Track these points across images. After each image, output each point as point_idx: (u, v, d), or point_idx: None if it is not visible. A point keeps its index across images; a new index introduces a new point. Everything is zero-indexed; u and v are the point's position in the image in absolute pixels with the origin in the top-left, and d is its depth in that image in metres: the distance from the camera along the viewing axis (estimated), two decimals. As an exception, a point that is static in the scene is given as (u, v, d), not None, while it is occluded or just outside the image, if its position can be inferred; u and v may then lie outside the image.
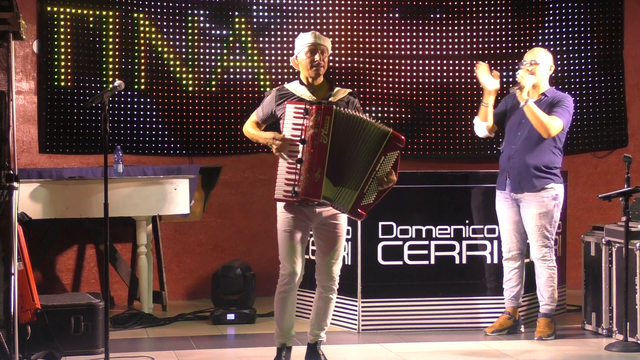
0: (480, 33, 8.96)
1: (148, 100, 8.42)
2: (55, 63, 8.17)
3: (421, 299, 6.91)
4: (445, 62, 8.96)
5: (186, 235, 8.58)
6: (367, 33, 8.84)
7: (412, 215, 6.93)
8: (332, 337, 6.41)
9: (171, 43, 8.48)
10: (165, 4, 8.46)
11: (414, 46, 8.92)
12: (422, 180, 7.04)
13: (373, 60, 8.87)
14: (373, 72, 8.87)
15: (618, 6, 9.01)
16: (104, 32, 8.30)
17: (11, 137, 5.14)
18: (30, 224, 5.90)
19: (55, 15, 8.15)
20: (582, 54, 8.99)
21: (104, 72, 8.28)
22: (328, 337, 5.83)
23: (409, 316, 6.88)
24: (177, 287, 8.49)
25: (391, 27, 8.89)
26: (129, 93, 8.35)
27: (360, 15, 8.84)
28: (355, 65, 8.83)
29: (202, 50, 8.55)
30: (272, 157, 5.53)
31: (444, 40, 8.94)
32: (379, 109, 8.83)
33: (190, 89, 8.53)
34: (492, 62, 8.88)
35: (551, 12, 9.00)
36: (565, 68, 8.99)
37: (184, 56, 8.52)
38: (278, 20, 8.66)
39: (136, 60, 8.39)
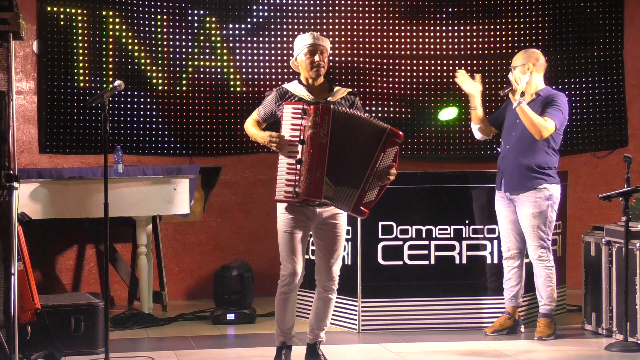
0: (480, 33, 8.96)
1: (148, 100, 8.42)
2: (55, 63, 8.17)
3: (421, 299, 6.91)
4: (445, 62, 8.96)
5: (186, 235, 8.58)
6: (367, 33, 8.84)
7: (412, 215, 6.93)
8: (332, 337, 6.41)
9: (170, 43, 8.48)
10: (166, 3, 8.46)
11: (414, 46, 8.92)
12: (422, 180, 7.04)
13: (373, 60, 8.87)
14: (373, 72, 8.87)
15: (618, 6, 9.01)
16: (104, 32, 8.30)
17: (11, 137, 5.14)
18: (30, 224, 5.90)
19: (55, 15, 8.15)
20: (582, 54, 8.99)
21: (104, 72, 8.28)
22: (328, 337, 5.83)
23: (409, 316, 6.88)
24: (177, 287, 8.49)
25: (391, 27, 8.89)
26: (129, 93, 8.35)
27: (360, 15, 8.84)
28: (355, 65, 8.83)
29: (202, 50, 8.55)
30: (272, 157, 5.53)
31: (444, 40, 8.94)
32: (379, 108, 8.83)
33: (191, 89, 8.53)
34: (492, 62, 8.89)
35: (551, 12, 9.00)
36: (566, 68, 8.99)
37: (183, 55, 8.52)
38: (278, 20, 8.67)
39: (136, 60, 8.38)
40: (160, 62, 8.46)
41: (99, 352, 5.94)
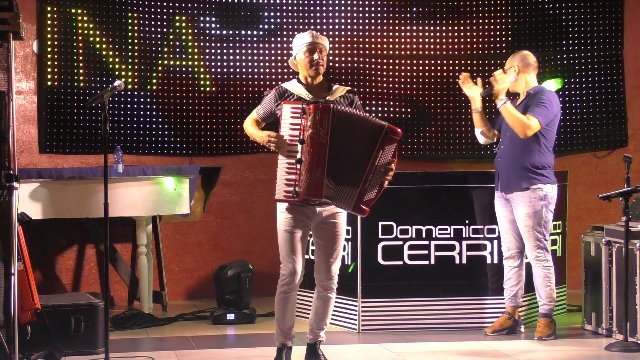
0: (480, 33, 8.96)
1: (148, 100, 8.42)
2: (55, 63, 8.17)
3: (421, 299, 6.91)
4: (445, 62, 8.96)
5: (186, 235, 8.58)
6: (367, 33, 8.85)
7: (412, 215, 6.93)
8: (332, 337, 6.41)
9: (171, 43, 8.48)
10: (166, 3, 8.46)
11: (414, 46, 8.92)
12: (422, 180, 7.04)
13: (373, 60, 8.87)
14: (373, 71, 8.87)
15: (618, 6, 9.02)
16: (104, 32, 8.30)
17: (11, 137, 5.14)
18: (30, 224, 5.90)
19: (55, 15, 8.15)
20: (582, 54, 8.99)
21: (104, 72, 8.28)
22: (328, 337, 5.83)
23: (409, 316, 6.88)
24: (177, 287, 8.49)
25: (391, 27, 8.89)
26: (129, 93, 8.35)
27: (360, 15, 8.84)
28: (355, 65, 8.83)
29: (202, 50, 8.55)
30: (272, 157, 5.53)
31: (444, 40, 8.94)
32: (379, 108, 8.83)
33: (191, 89, 8.53)
34: (492, 62, 8.88)
35: (551, 12, 9.00)
36: (565, 68, 8.99)
37: (183, 55, 8.52)
38: (278, 20, 8.67)
39: (136, 60, 8.38)
40: (160, 62, 8.45)
41: (99, 352, 5.94)
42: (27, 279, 5.46)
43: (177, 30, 8.50)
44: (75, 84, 8.22)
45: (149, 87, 8.42)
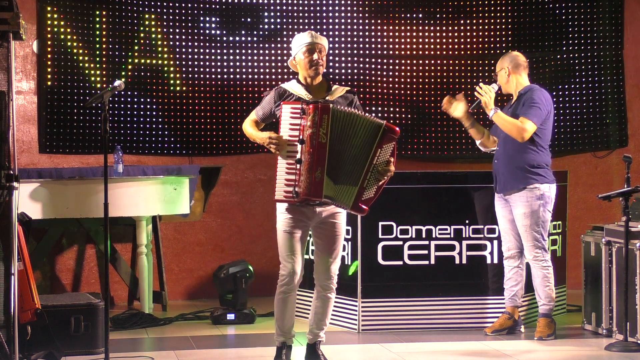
0: (480, 33, 8.96)
1: (148, 100, 8.42)
2: (55, 63, 8.17)
3: (421, 299, 6.91)
4: (445, 62, 8.96)
5: (186, 235, 8.58)
6: (367, 33, 8.85)
7: (412, 215, 6.93)
8: (332, 337, 6.41)
9: (171, 43, 8.48)
10: (166, 3, 8.46)
11: (414, 46, 8.92)
12: (422, 180, 7.04)
13: (373, 60, 8.87)
14: (373, 72, 8.87)
15: (618, 6, 9.02)
16: (104, 32, 8.30)
17: (11, 137, 5.14)
18: (30, 224, 5.90)
19: (55, 15, 8.15)
20: (582, 54, 8.99)
21: (104, 72, 8.28)
22: (328, 337, 5.83)
23: (409, 316, 6.88)
24: (177, 287, 8.49)
25: (391, 27, 8.89)
26: (129, 93, 8.35)
27: (360, 15, 8.84)
28: (356, 65, 8.83)
29: (201, 51, 8.55)
30: (272, 157, 5.53)
31: (444, 40, 8.94)
32: (379, 108, 8.83)
33: (191, 89, 8.53)
34: (492, 62, 8.86)
35: (551, 12, 9.00)
36: (565, 68, 8.99)
37: (183, 56, 8.52)
38: (278, 21, 8.67)
39: (136, 60, 8.38)
40: (160, 62, 8.46)
41: (99, 352, 5.94)
42: (27, 279, 5.46)
43: (177, 31, 8.50)
44: (75, 84, 8.22)
45: (149, 87, 8.42)
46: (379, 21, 8.87)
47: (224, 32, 8.60)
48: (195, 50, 8.53)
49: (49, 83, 8.17)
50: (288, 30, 8.64)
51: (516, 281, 6.72)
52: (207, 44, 8.56)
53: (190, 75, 8.53)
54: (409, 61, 8.93)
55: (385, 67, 8.88)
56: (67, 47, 8.19)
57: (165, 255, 8.28)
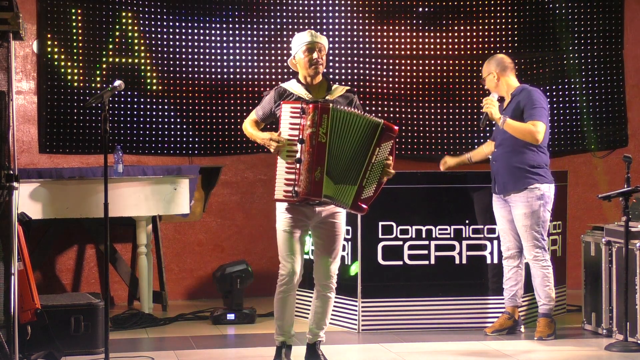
0: (480, 33, 8.96)
1: (148, 100, 8.42)
2: (55, 63, 8.17)
3: (421, 299, 6.91)
4: (445, 62, 8.96)
5: (186, 235, 8.58)
6: (367, 33, 8.84)
7: (412, 215, 6.93)
8: (332, 337, 6.41)
9: (171, 43, 8.48)
10: (165, 3, 8.46)
11: (414, 46, 8.92)
12: (422, 180, 7.03)
13: (373, 60, 8.87)
14: (373, 72, 8.87)
15: (618, 6, 9.02)
16: (104, 32, 8.30)
17: (11, 137, 5.14)
18: (30, 224, 5.90)
19: (55, 15, 8.15)
20: (582, 54, 8.99)
21: (104, 72, 8.28)
22: (328, 337, 5.83)
23: (409, 316, 6.88)
24: (177, 287, 8.49)
25: (391, 27, 8.89)
26: (129, 93, 8.35)
27: (360, 15, 8.84)
28: (355, 65, 8.83)
29: (201, 51, 8.55)
30: (272, 157, 5.53)
31: (444, 40, 8.94)
32: (379, 108, 8.83)
33: (191, 89, 8.53)
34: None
35: (551, 12, 9.00)
36: (565, 68, 8.99)
37: (183, 55, 8.51)
38: (278, 20, 8.67)
39: (136, 60, 8.39)
40: (160, 62, 8.45)
41: (99, 352, 5.94)
42: (27, 279, 5.46)
43: (177, 31, 8.50)
44: (76, 84, 8.22)
45: (149, 86, 8.42)
46: (378, 21, 8.87)
47: (224, 32, 8.60)
48: (196, 50, 8.53)
49: (49, 83, 8.17)
50: (288, 30, 8.64)
51: (516, 281, 6.72)
52: (207, 44, 8.56)
53: (190, 75, 8.53)
54: (409, 61, 8.93)
55: (385, 67, 8.88)
56: (67, 47, 8.19)
57: (165, 255, 8.29)
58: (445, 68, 8.95)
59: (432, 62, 8.95)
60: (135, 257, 7.97)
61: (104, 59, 8.29)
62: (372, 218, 6.76)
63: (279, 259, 5.49)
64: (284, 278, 5.46)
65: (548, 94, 8.93)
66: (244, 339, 6.78)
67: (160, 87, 8.46)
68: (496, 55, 6.82)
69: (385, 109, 8.87)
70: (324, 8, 8.78)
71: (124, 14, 8.35)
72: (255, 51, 8.64)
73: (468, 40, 8.96)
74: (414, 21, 8.91)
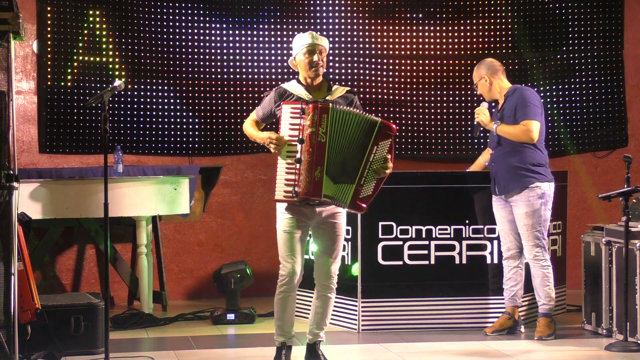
0: (480, 33, 8.96)
1: (148, 100, 8.42)
2: (55, 63, 8.17)
3: (421, 299, 6.91)
4: (445, 62, 8.96)
5: (186, 235, 8.58)
6: (367, 33, 8.84)
7: (412, 215, 6.93)
8: (332, 337, 6.41)
9: (171, 43, 8.48)
10: (166, 3, 8.47)
11: (414, 46, 8.92)
12: (422, 180, 7.03)
13: (373, 60, 8.87)
14: (373, 72, 8.87)
15: (618, 6, 9.02)
16: (104, 31, 8.29)
17: (11, 137, 5.14)
18: (30, 224, 5.90)
19: (55, 15, 8.15)
20: (582, 54, 8.99)
21: (104, 72, 8.28)
22: (328, 337, 5.83)
23: (409, 316, 6.88)
24: (177, 287, 8.49)
25: (391, 27, 8.89)
26: (129, 93, 8.35)
27: (360, 15, 8.84)
28: (355, 65, 8.83)
29: (201, 51, 8.55)
30: (272, 157, 5.54)
31: (444, 40, 8.94)
32: (379, 109, 8.82)
33: (191, 89, 8.53)
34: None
35: (551, 12, 9.00)
36: (566, 68, 8.99)
37: (183, 56, 8.51)
38: (278, 20, 8.66)
39: (136, 60, 8.38)
40: (160, 61, 8.45)
41: (99, 352, 5.94)
42: (27, 279, 5.46)
43: (177, 31, 8.50)
44: (75, 84, 8.22)
45: (148, 86, 8.42)
46: (378, 21, 8.87)
47: (224, 31, 8.59)
48: (195, 50, 8.53)
49: (49, 83, 8.17)
50: (288, 30, 8.63)
51: (516, 281, 6.72)
52: (207, 44, 8.56)
53: (190, 75, 8.53)
54: (409, 61, 8.93)
55: (385, 67, 8.88)
56: (67, 47, 8.19)
57: (165, 255, 8.29)
58: (445, 68, 8.95)
59: (432, 62, 8.95)
60: (135, 257, 7.97)
61: (104, 59, 8.29)
62: (372, 218, 6.76)
63: (279, 259, 5.49)
64: (284, 278, 5.46)
65: (548, 94, 8.93)
66: (244, 339, 6.78)
67: (160, 87, 8.45)
68: (484, 59, 6.85)
69: (385, 108, 8.87)
70: (324, 8, 8.77)
71: (123, 14, 8.35)
72: (255, 51, 8.64)
73: (468, 40, 8.96)
74: (414, 21, 8.91)
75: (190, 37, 8.51)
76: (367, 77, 8.84)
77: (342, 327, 6.96)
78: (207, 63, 8.56)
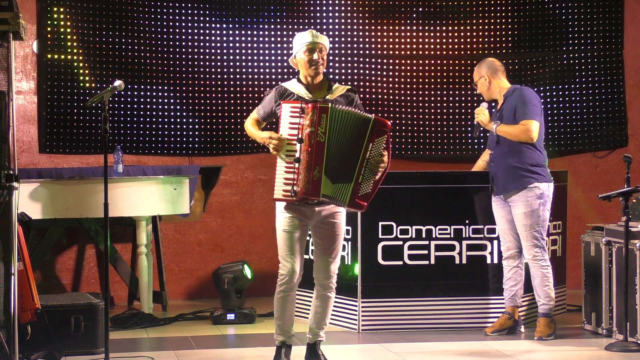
0: (480, 33, 8.96)
1: (148, 100, 8.42)
2: (55, 63, 8.17)
3: (421, 299, 6.91)
4: (445, 62, 8.96)
5: (186, 235, 8.58)
6: (367, 33, 8.84)
7: (412, 215, 6.93)
8: (332, 337, 6.41)
9: (171, 43, 8.48)
10: (168, 3, 8.47)
11: (414, 46, 8.92)
12: (422, 180, 7.04)
13: (373, 60, 8.87)
14: (373, 72, 8.87)
15: (618, 6, 9.02)
16: (104, 31, 8.29)
17: (11, 137, 5.14)
18: (30, 224, 5.90)
19: (55, 15, 8.15)
20: (582, 54, 8.99)
21: (104, 72, 8.27)
22: (328, 337, 5.83)
23: (409, 316, 6.88)
24: (177, 287, 8.49)
25: (391, 27, 8.89)
26: (129, 93, 8.35)
27: (360, 15, 8.84)
28: (355, 65, 8.83)
29: (201, 51, 8.55)
30: (272, 157, 5.54)
31: (444, 40, 8.94)
32: (379, 109, 8.83)
33: (191, 89, 8.53)
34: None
35: (551, 12, 9.00)
36: (566, 68, 8.99)
37: (183, 56, 8.52)
38: (278, 20, 8.67)
39: (136, 60, 8.38)
40: (161, 61, 8.45)
41: (99, 352, 5.94)
42: (27, 279, 5.46)
43: (177, 31, 8.50)
44: (75, 84, 8.22)
45: (148, 86, 8.42)
46: (378, 21, 8.87)
47: (224, 31, 8.59)
48: (195, 50, 8.53)
49: (49, 83, 8.17)
50: (288, 30, 8.63)
51: (516, 281, 6.72)
52: (208, 44, 8.56)
53: (190, 75, 8.53)
54: (409, 61, 8.93)
55: (385, 67, 8.88)
56: (67, 47, 8.19)
57: (165, 255, 8.28)
58: (445, 68, 8.95)
59: (432, 62, 8.95)
60: (135, 257, 7.97)
61: (105, 59, 8.29)
62: (372, 218, 6.77)
63: (278, 259, 5.49)
64: (283, 278, 5.46)
65: (548, 94, 8.93)
66: (244, 339, 6.78)
67: (160, 87, 8.45)
68: (485, 59, 6.86)
69: (385, 108, 8.87)
70: (324, 8, 8.78)
71: (123, 14, 8.35)
72: (255, 51, 8.64)
73: (468, 40, 8.96)
74: (414, 21, 8.91)
75: (190, 37, 8.52)
76: (367, 77, 8.85)
77: (342, 327, 6.96)
78: (207, 63, 8.56)
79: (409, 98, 8.92)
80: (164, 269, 8.09)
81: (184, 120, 8.52)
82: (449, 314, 6.91)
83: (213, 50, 8.57)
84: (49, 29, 8.15)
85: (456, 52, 8.96)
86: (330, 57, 8.63)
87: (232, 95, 8.61)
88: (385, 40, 8.88)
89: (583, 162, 9.07)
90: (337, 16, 8.80)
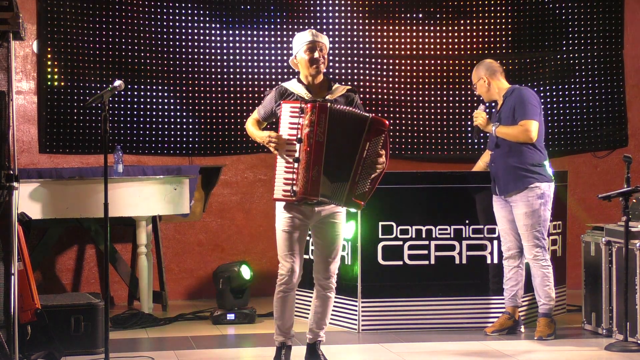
0: (480, 33, 8.96)
1: (148, 100, 8.42)
2: (55, 63, 8.17)
3: (421, 299, 6.91)
4: (445, 62, 8.96)
5: (186, 235, 8.58)
6: (367, 33, 8.84)
7: (412, 215, 6.93)
8: (332, 337, 6.41)
9: (171, 43, 8.48)
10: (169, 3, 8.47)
11: (414, 46, 8.92)
12: (422, 180, 7.04)
13: (373, 60, 8.87)
14: (373, 72, 8.87)
15: (618, 6, 9.02)
16: (104, 31, 8.29)
17: (11, 137, 5.14)
18: (30, 224, 5.90)
19: (55, 15, 8.15)
20: (582, 54, 8.99)
21: (104, 72, 8.28)
22: (328, 337, 5.83)
23: (409, 316, 6.88)
24: (177, 287, 8.49)
25: (391, 27, 8.89)
26: (129, 93, 8.35)
27: (360, 15, 8.84)
28: (355, 65, 8.83)
29: (201, 51, 8.55)
30: (272, 157, 5.54)
31: (444, 40, 8.94)
32: (379, 109, 8.83)
33: (191, 89, 8.53)
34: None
35: (551, 12, 9.00)
36: (565, 68, 8.99)
37: (183, 55, 8.52)
38: (278, 20, 8.66)
39: (136, 60, 8.38)
40: (161, 61, 8.45)
41: (99, 352, 5.94)
42: (27, 279, 5.46)
43: (178, 31, 8.50)
44: (76, 84, 8.22)
45: (148, 86, 8.42)
46: (378, 21, 8.87)
47: (224, 31, 8.59)
48: (195, 50, 8.53)
49: (49, 83, 8.17)
50: (288, 30, 8.63)
51: (516, 281, 6.72)
52: (208, 44, 8.56)
53: (189, 75, 8.53)
54: (409, 61, 8.93)
55: (385, 67, 8.88)
56: (67, 47, 8.19)
57: (165, 255, 8.29)
58: (445, 68, 8.95)
59: (432, 62, 8.95)
60: (135, 257, 7.97)
61: (104, 59, 8.29)
62: (372, 218, 6.77)
63: (278, 259, 5.49)
64: (283, 278, 5.46)
65: (548, 94, 8.93)
66: (244, 339, 6.78)
67: (160, 87, 8.45)
68: (483, 60, 6.87)
69: (385, 108, 8.87)
70: (324, 8, 8.77)
71: (123, 14, 8.35)
72: (255, 51, 8.64)
73: (468, 40, 8.96)
74: (414, 21, 8.91)
75: (190, 37, 8.51)
76: (367, 77, 8.85)
77: (342, 327, 6.96)
78: (207, 63, 8.56)
79: (408, 98, 8.92)
80: (164, 269, 8.09)
81: (184, 120, 8.52)
82: (449, 314, 6.91)
83: (213, 51, 8.57)
84: (49, 29, 8.15)
85: (456, 52, 8.96)
86: (330, 57, 8.63)
87: (232, 95, 8.61)
88: (385, 40, 8.88)
89: (583, 162, 9.07)
90: (337, 16, 8.80)
